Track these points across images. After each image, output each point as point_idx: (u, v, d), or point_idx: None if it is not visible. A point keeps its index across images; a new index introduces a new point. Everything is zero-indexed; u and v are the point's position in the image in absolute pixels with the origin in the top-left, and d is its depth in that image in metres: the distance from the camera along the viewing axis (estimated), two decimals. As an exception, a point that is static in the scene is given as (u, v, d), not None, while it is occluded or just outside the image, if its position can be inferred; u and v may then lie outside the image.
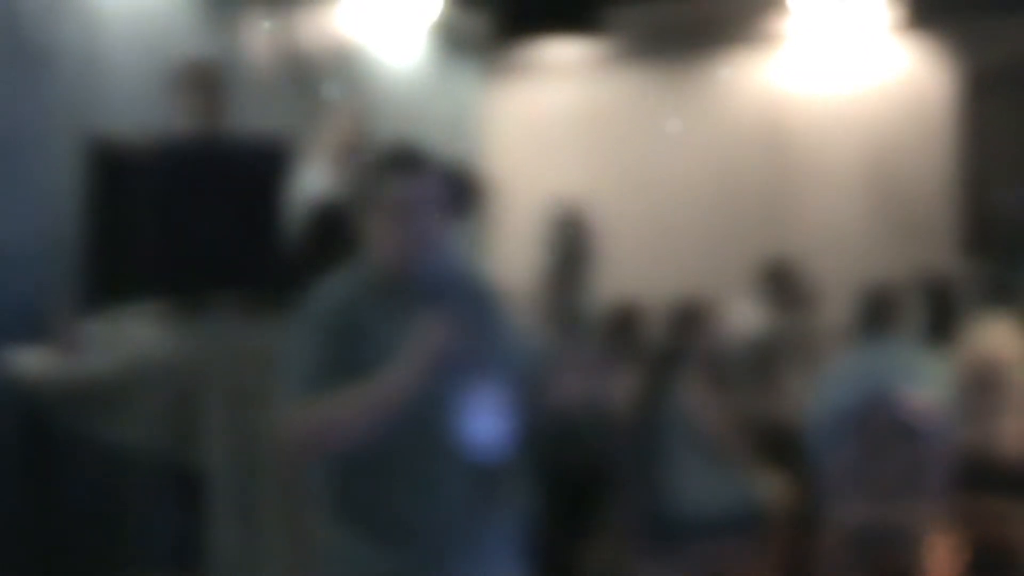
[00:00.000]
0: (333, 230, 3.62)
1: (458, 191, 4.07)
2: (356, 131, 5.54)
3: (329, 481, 2.56)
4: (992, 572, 5.06)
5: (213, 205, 3.47)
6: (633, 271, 7.41)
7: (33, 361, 3.56)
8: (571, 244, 5.83)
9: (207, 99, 4.26)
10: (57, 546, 3.69)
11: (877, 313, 4.76)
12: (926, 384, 4.56)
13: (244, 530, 3.20)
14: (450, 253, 2.63)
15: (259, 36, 5.97)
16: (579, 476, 5.71)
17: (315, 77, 6.51)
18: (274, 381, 3.30)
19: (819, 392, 4.75)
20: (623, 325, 5.55)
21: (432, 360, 2.42)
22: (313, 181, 5.22)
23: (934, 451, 4.40)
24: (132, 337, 3.55)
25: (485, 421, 2.57)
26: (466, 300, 2.60)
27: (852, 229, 7.77)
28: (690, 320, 4.98)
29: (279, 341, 3.39)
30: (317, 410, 2.44)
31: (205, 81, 4.30)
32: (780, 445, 5.48)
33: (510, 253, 7.06)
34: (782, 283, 6.20)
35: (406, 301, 2.53)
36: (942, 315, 5.45)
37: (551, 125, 8.47)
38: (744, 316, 5.99)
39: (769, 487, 4.82)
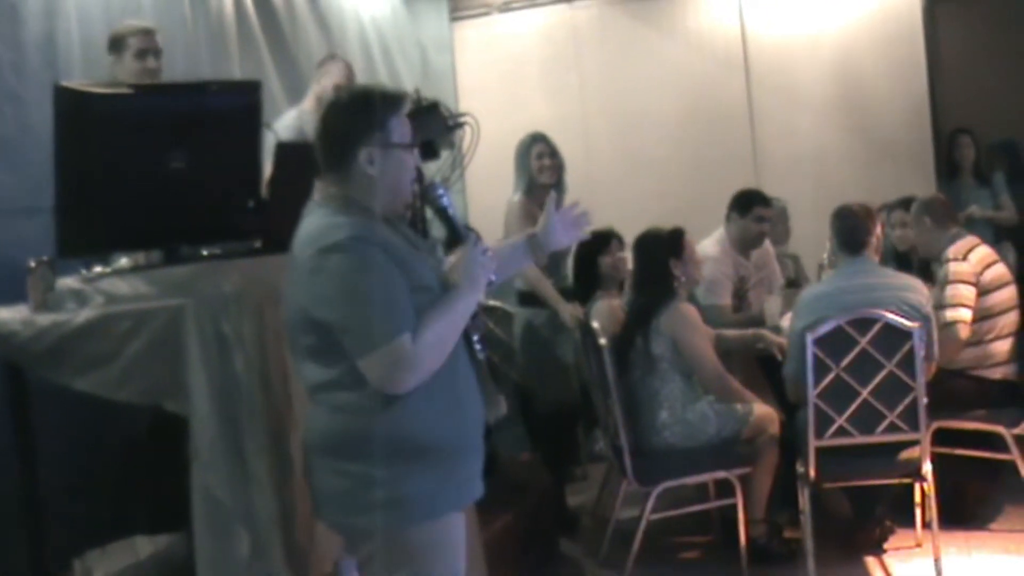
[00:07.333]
0: (301, 167, 3.59)
1: (439, 129, 4.06)
2: (348, 81, 5.52)
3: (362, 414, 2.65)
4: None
5: (188, 151, 3.44)
6: (606, 200, 7.40)
7: (9, 317, 3.53)
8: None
9: (143, 64, 4.41)
10: (43, 505, 3.69)
11: (852, 234, 4.77)
12: (902, 303, 4.59)
13: (229, 477, 3.19)
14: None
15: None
16: (565, 408, 5.74)
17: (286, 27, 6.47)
18: (253, 325, 3.31)
19: (797, 315, 4.77)
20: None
21: (487, 275, 2.74)
22: (287, 125, 5.21)
23: (912, 371, 4.43)
24: (107, 288, 3.53)
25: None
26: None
27: (827, 152, 7.79)
28: (666, 248, 4.99)
29: (260, 284, 3.40)
30: (431, 330, 2.61)
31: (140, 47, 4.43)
32: (762, 371, 5.53)
33: (481, 185, 7.07)
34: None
35: (402, 231, 2.82)
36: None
37: (519, 59, 8.43)
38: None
39: (754, 413, 4.87)
